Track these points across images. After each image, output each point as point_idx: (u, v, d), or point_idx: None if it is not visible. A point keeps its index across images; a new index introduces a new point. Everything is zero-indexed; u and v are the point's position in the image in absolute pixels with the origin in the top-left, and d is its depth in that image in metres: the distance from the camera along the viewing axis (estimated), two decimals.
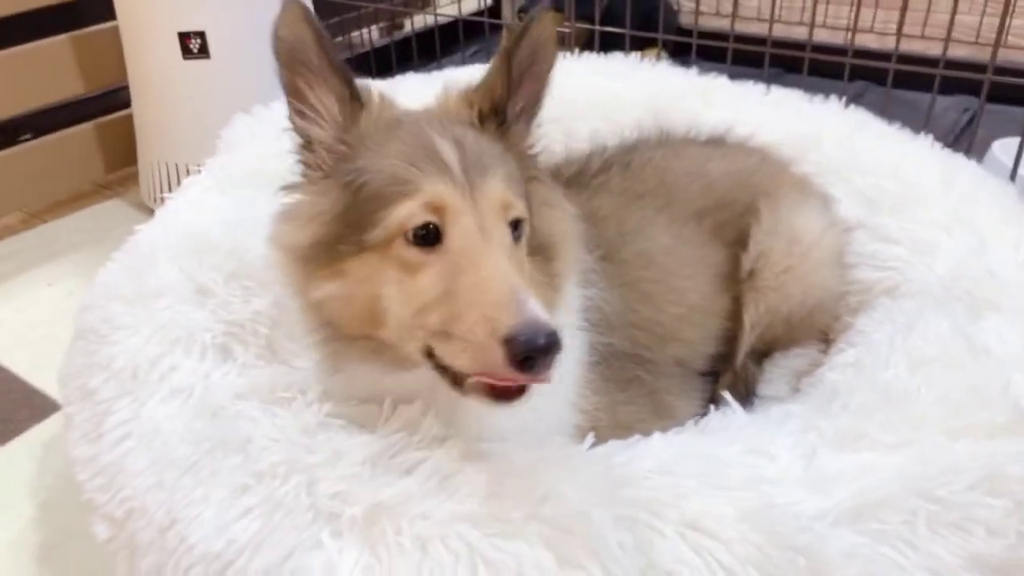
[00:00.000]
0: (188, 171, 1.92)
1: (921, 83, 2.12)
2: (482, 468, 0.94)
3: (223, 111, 1.78)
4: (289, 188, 1.02)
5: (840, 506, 0.89)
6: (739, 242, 1.39)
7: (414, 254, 0.88)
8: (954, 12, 1.94)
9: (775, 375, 1.40)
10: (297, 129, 0.99)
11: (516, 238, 0.91)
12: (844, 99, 1.78)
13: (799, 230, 1.36)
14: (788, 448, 0.97)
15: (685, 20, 3.36)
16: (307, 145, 0.99)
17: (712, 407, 1.15)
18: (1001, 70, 1.87)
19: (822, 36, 2.59)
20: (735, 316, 1.37)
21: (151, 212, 2.08)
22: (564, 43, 2.40)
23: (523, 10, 3.08)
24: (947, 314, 1.11)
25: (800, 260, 1.34)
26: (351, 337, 0.97)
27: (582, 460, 0.95)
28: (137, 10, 2.20)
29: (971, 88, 2.06)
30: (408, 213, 0.88)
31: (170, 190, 1.96)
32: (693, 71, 1.96)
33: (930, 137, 1.65)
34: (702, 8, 2.40)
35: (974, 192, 1.46)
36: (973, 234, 1.35)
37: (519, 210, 0.92)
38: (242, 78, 2.16)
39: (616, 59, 2.00)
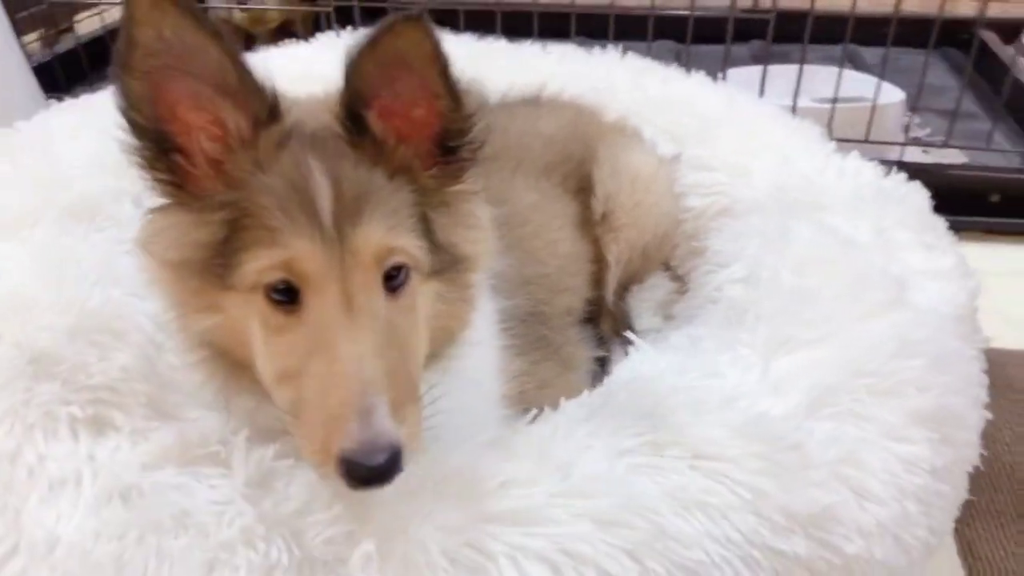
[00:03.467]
0: None
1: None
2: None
3: None
4: (156, 212, 0.84)
5: (800, 402, 0.97)
6: (583, 190, 1.44)
7: (272, 314, 0.78)
8: None
9: (642, 308, 1.48)
10: (154, 144, 0.80)
11: (396, 287, 0.82)
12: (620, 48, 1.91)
13: (636, 167, 1.44)
14: (730, 364, 1.04)
15: None
16: (166, 161, 0.81)
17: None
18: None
19: None
20: (598, 258, 1.43)
21: None
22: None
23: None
24: (806, 219, 1.25)
25: (645, 194, 1.43)
26: (238, 364, 0.86)
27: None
28: None
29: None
30: (263, 267, 0.77)
31: None
32: (466, 37, 1.96)
33: (701, 73, 1.83)
34: None
35: (755, 116, 1.64)
36: (773, 151, 1.52)
37: (403, 252, 0.81)
38: None
39: None
